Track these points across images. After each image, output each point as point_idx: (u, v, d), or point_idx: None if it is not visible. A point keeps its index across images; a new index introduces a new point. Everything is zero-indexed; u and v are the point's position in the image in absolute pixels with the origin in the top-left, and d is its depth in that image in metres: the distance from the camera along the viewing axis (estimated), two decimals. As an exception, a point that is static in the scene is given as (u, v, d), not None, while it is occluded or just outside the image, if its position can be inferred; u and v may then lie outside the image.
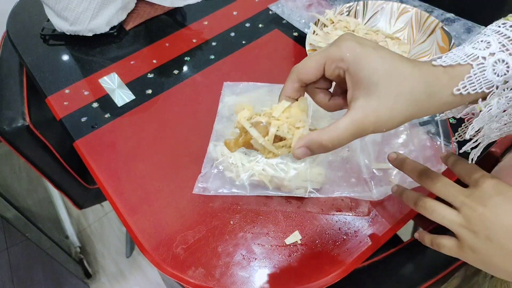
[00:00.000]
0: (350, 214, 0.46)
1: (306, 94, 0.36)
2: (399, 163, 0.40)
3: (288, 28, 0.72)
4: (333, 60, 0.30)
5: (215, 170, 0.50)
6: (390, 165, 0.42)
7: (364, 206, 0.47)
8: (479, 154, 0.36)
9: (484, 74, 0.28)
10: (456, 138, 0.38)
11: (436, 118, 0.46)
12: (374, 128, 0.29)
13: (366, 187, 0.47)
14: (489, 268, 0.33)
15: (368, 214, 0.46)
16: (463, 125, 0.38)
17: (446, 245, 0.35)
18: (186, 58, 0.68)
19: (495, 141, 0.52)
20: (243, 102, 0.54)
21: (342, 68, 0.30)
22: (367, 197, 0.47)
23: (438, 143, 0.50)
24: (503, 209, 0.31)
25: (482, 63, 0.28)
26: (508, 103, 0.29)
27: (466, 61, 0.28)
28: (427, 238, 0.38)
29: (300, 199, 0.48)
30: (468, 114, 0.33)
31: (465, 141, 0.36)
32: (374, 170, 0.48)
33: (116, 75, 0.66)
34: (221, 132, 0.54)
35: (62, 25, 0.71)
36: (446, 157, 0.39)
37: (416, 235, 0.40)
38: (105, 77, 0.66)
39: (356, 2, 0.68)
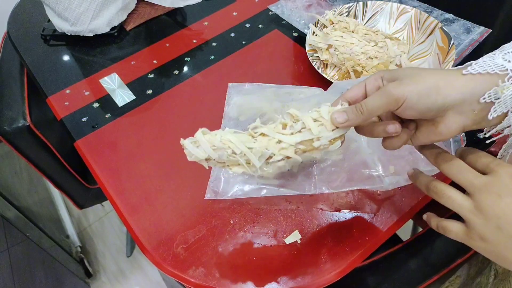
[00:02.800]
0: (350, 214, 0.47)
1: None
2: (420, 147, 0.39)
3: (288, 28, 0.72)
4: (391, 105, 0.34)
5: (225, 173, 0.50)
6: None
7: (363, 205, 0.47)
8: (510, 151, 0.36)
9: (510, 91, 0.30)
10: (484, 133, 0.38)
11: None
12: None
13: (377, 178, 0.47)
14: (497, 258, 0.32)
15: (368, 214, 0.47)
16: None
17: (453, 229, 0.35)
18: (186, 59, 0.68)
19: (495, 141, 0.53)
20: (251, 102, 0.54)
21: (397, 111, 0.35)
22: (379, 188, 0.46)
23: None
24: None
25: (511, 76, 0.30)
26: None
27: (494, 70, 0.30)
28: (433, 221, 0.37)
29: (300, 198, 0.48)
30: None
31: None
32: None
33: (116, 75, 0.67)
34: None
35: (62, 26, 0.71)
36: (458, 151, 0.38)
37: (424, 216, 0.39)
38: (105, 77, 0.66)
39: (355, 3, 0.68)
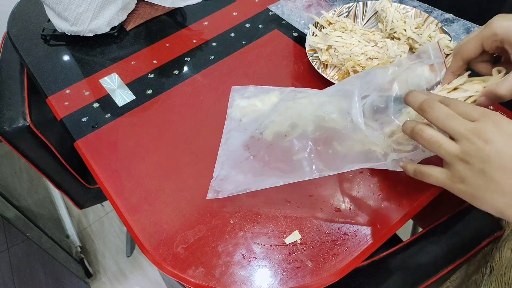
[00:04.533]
0: (350, 214, 0.47)
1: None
2: (405, 95, 0.39)
3: (288, 28, 0.72)
4: (488, 37, 0.39)
5: (228, 171, 0.50)
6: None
7: (363, 205, 0.47)
8: None
9: None
10: None
11: None
12: None
13: (380, 156, 0.44)
14: (476, 202, 0.33)
15: (368, 214, 0.47)
16: None
17: (433, 174, 0.35)
18: (186, 59, 0.68)
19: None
20: (254, 104, 0.54)
21: (498, 40, 0.38)
22: (381, 166, 0.44)
23: None
24: (503, 147, 0.31)
25: None
26: None
27: None
28: (409, 167, 0.38)
29: (300, 198, 0.48)
30: None
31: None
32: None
33: (116, 75, 0.67)
34: (231, 132, 0.54)
35: (62, 26, 0.71)
36: (438, 99, 0.38)
37: (401, 163, 0.39)
38: (105, 77, 0.66)
39: (355, 3, 0.68)
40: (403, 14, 0.64)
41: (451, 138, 0.34)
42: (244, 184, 0.48)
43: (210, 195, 0.49)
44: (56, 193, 1.38)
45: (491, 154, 0.31)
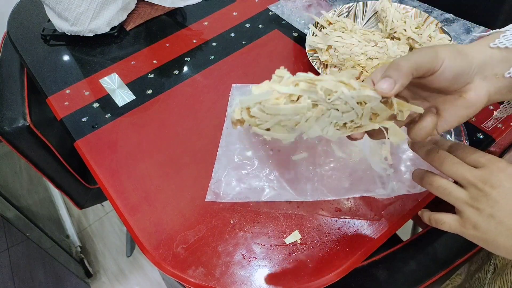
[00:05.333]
0: (350, 214, 0.47)
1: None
2: (412, 143, 0.40)
3: (288, 28, 0.72)
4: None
5: (226, 176, 0.50)
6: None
7: (363, 205, 0.47)
8: None
9: None
10: (500, 112, 0.39)
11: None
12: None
13: (379, 185, 0.46)
14: (489, 246, 0.34)
15: (368, 214, 0.47)
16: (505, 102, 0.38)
17: (446, 221, 0.36)
18: (186, 59, 0.68)
19: (495, 141, 0.53)
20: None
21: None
22: (381, 195, 0.46)
23: (449, 139, 0.49)
24: (510, 191, 0.32)
25: None
26: None
27: None
28: (425, 215, 0.38)
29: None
30: None
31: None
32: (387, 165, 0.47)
33: (116, 75, 0.67)
34: (231, 132, 0.54)
35: (62, 26, 0.71)
36: (450, 146, 0.39)
37: (419, 212, 0.40)
38: (105, 77, 0.66)
39: (355, 3, 0.68)
40: (403, 14, 0.64)
41: (459, 184, 0.35)
42: (245, 193, 0.48)
43: (209, 197, 0.49)
44: (56, 193, 1.38)
45: (498, 199, 0.32)
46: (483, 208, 0.33)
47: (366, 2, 0.68)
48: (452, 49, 0.32)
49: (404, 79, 0.32)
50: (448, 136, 0.50)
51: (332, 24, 0.65)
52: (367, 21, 0.68)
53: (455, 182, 0.35)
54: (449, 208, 0.37)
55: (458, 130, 0.51)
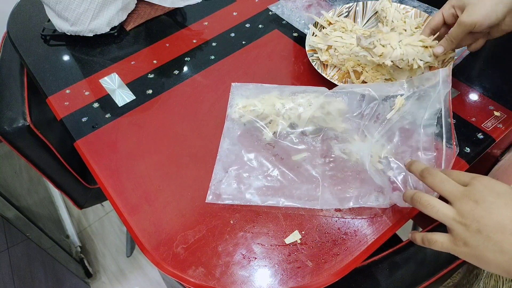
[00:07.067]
0: (350, 214, 0.47)
1: None
2: (409, 164, 0.43)
3: (288, 28, 0.72)
4: (446, 9, 0.51)
5: (227, 177, 0.50)
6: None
7: (363, 206, 0.47)
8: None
9: None
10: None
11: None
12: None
13: (380, 195, 0.47)
14: (480, 262, 0.34)
15: (368, 214, 0.47)
16: None
17: (438, 240, 0.37)
18: (186, 59, 0.68)
19: (495, 141, 0.53)
20: (254, 104, 0.54)
21: (452, 8, 0.50)
22: (381, 205, 0.47)
23: (441, 144, 0.49)
24: (493, 205, 0.33)
25: None
26: None
27: None
28: (417, 236, 0.40)
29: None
30: None
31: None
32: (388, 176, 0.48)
33: (116, 75, 0.67)
34: (231, 131, 0.55)
35: (62, 26, 0.71)
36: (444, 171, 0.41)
37: (410, 235, 0.42)
38: (105, 77, 0.66)
39: (355, 3, 0.68)
40: (403, 14, 0.64)
41: (448, 202, 0.37)
42: (246, 195, 0.48)
43: (209, 198, 0.49)
44: (56, 193, 1.38)
45: (483, 214, 0.33)
46: (469, 223, 0.34)
47: (366, 2, 0.68)
48: (484, 12, 0.46)
49: (448, 49, 0.52)
50: (439, 138, 0.49)
51: (332, 24, 0.65)
52: (367, 21, 0.68)
53: (445, 201, 0.37)
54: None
55: (449, 134, 0.49)
